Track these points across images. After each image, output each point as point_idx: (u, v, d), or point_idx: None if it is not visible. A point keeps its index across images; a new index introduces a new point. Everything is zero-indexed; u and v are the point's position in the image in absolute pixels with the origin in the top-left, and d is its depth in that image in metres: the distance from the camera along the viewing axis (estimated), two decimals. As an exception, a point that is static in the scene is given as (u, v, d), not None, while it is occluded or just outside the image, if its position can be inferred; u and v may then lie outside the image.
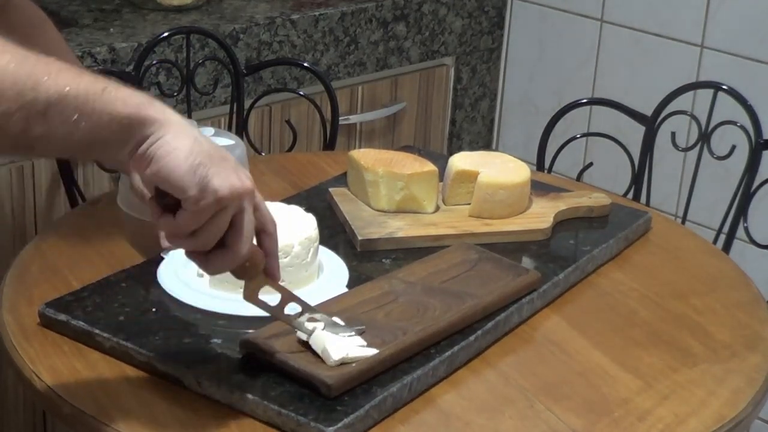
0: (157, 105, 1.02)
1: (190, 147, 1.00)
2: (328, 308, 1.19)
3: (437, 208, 1.49)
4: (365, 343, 1.13)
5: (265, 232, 1.09)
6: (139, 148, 1.01)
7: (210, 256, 1.06)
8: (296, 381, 1.09)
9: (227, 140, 1.55)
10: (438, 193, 1.50)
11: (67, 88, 0.97)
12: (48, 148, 1.02)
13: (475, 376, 1.19)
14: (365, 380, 1.10)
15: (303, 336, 1.12)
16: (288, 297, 1.14)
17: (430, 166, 1.49)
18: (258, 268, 1.09)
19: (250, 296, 1.11)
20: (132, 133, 1.00)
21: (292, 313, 1.14)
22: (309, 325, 1.13)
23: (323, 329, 1.12)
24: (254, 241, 1.09)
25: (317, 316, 1.14)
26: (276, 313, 1.13)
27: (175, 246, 1.06)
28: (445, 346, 1.18)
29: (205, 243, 1.04)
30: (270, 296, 1.13)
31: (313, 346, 1.11)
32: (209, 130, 1.57)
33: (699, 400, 1.18)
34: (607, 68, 2.59)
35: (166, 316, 1.22)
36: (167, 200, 1.03)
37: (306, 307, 1.15)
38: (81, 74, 1.00)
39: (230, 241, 1.05)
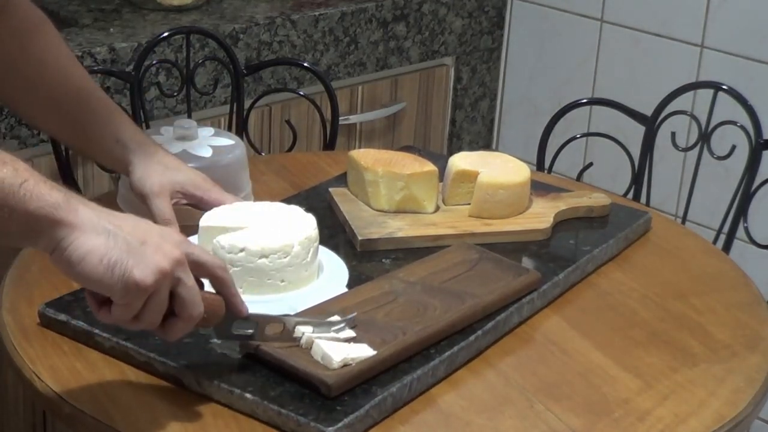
0: (73, 205, 1.00)
1: (104, 246, 0.99)
2: (327, 308, 1.19)
3: (437, 208, 1.49)
4: (354, 335, 1.13)
5: (215, 280, 1.09)
6: (54, 252, 0.99)
7: (165, 327, 1.06)
8: (296, 381, 1.09)
9: (227, 140, 1.55)
10: (438, 193, 1.50)
11: None
12: None
13: (475, 376, 1.19)
14: (365, 380, 1.10)
15: (299, 344, 1.12)
16: (264, 320, 1.13)
17: (430, 166, 1.49)
18: (219, 312, 1.09)
19: (224, 335, 1.11)
20: (42, 235, 0.99)
21: (274, 331, 1.13)
22: (298, 332, 1.12)
23: (313, 332, 1.12)
24: (210, 287, 1.09)
25: (301, 320, 1.14)
26: (259, 338, 1.12)
27: (125, 328, 1.06)
28: (445, 346, 1.18)
29: (150, 323, 1.04)
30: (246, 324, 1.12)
31: (314, 356, 1.11)
32: (209, 130, 1.57)
33: (699, 400, 1.18)
34: (607, 68, 2.59)
35: (166, 316, 1.22)
36: (101, 295, 1.02)
37: (285, 321, 1.14)
38: (5, 163, 0.98)
39: (178, 311, 1.05)
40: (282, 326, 1.13)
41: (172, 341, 1.08)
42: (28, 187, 0.98)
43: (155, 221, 1.30)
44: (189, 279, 1.04)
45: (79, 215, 0.99)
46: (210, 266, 1.07)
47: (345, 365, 1.09)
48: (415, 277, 1.29)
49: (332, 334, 1.13)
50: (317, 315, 1.17)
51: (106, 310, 1.03)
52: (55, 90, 1.41)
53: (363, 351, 1.11)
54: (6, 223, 0.98)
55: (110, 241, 0.99)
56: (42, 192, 0.98)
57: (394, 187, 1.47)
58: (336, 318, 1.16)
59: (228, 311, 1.09)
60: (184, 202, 1.39)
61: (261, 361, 1.12)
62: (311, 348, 1.11)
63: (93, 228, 0.99)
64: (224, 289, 1.09)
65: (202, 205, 1.38)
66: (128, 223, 1.03)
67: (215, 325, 1.10)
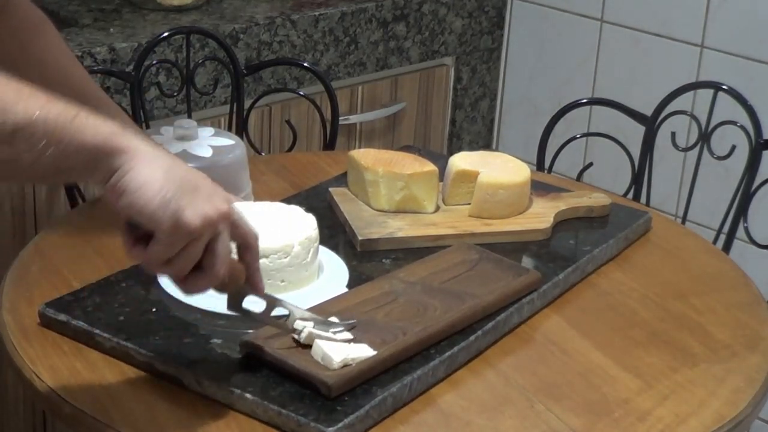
0: (129, 134, 0.99)
1: (162, 179, 0.99)
2: (327, 309, 1.19)
3: (437, 208, 1.49)
4: (352, 337, 1.13)
5: (245, 246, 1.09)
6: (110, 180, 0.99)
7: (187, 279, 1.05)
8: (296, 381, 1.09)
9: (227, 140, 1.55)
10: (438, 193, 1.50)
11: (37, 113, 0.95)
12: (12, 173, 1.00)
13: (475, 377, 1.19)
14: (365, 380, 1.10)
15: (297, 336, 1.12)
16: (273, 302, 1.13)
17: (430, 166, 1.49)
18: (238, 281, 1.09)
19: (234, 306, 1.11)
20: (100, 164, 0.98)
21: (279, 315, 1.14)
22: (299, 325, 1.13)
23: (313, 327, 1.12)
24: (235, 255, 1.09)
25: (306, 315, 1.14)
26: (263, 319, 1.13)
27: (149, 272, 1.06)
28: (445, 346, 1.18)
29: (180, 270, 1.03)
30: (256, 303, 1.12)
31: (314, 356, 1.11)
32: (209, 130, 1.57)
33: (699, 400, 1.18)
34: (607, 68, 2.59)
35: (166, 316, 1.22)
36: (140, 231, 1.02)
37: (292, 310, 1.14)
38: (53, 100, 0.97)
39: (206, 265, 1.04)
40: (288, 314, 1.14)
41: (189, 294, 1.08)
42: (82, 118, 0.97)
43: None
44: (226, 236, 1.04)
45: (137, 144, 0.99)
46: (247, 231, 1.07)
47: (345, 365, 1.09)
48: (415, 277, 1.29)
49: (330, 334, 1.13)
50: (315, 315, 1.17)
51: (140, 248, 1.02)
52: (55, 90, 1.39)
53: (363, 351, 1.11)
54: (63, 159, 0.97)
55: (168, 175, 0.99)
56: (97, 122, 0.98)
57: (394, 187, 1.47)
58: (335, 320, 1.15)
59: (246, 283, 1.09)
60: None
61: (261, 361, 1.12)
62: (311, 347, 1.11)
63: (152, 159, 0.99)
64: (250, 258, 1.09)
65: None
66: (184, 166, 1.03)
67: (230, 293, 1.10)
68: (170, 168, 1.00)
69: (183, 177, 1.01)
